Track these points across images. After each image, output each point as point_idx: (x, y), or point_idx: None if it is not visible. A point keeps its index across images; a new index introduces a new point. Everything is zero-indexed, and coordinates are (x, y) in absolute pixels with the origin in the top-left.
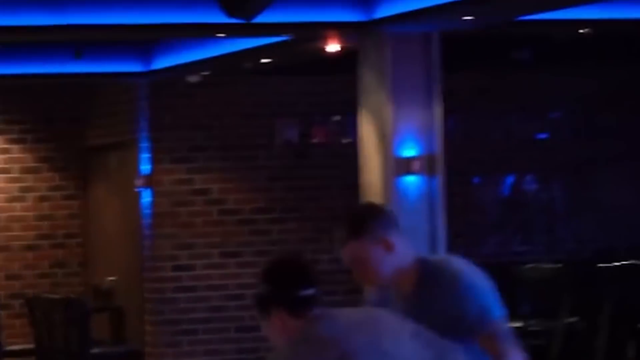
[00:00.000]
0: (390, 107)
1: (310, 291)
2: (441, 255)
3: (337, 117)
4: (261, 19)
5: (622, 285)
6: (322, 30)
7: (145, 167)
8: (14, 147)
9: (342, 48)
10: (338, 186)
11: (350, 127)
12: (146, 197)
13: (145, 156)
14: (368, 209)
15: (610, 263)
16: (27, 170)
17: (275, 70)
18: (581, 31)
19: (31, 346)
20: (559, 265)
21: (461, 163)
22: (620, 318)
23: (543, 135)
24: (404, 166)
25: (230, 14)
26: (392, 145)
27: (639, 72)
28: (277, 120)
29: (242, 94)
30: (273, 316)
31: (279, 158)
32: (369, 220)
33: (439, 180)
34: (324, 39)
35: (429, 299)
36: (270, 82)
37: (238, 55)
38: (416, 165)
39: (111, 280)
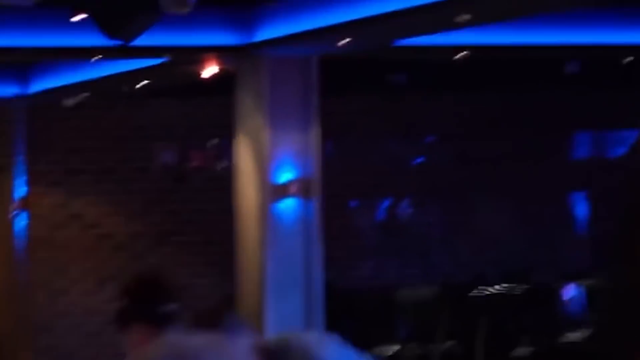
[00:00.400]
0: (268, 130)
1: (169, 307)
2: (287, 333)
3: (215, 141)
4: (139, 41)
5: (496, 310)
6: (201, 53)
7: (20, 191)
8: None
9: (220, 71)
10: (216, 210)
11: (228, 151)
12: (22, 221)
13: (21, 180)
14: (217, 311)
15: (485, 287)
16: None
17: (153, 93)
18: (457, 56)
19: None
20: (436, 289)
21: (338, 187)
22: (496, 342)
23: (420, 160)
24: (281, 190)
25: (110, 36)
26: (269, 168)
27: (515, 98)
28: (154, 144)
29: (119, 118)
30: (133, 330)
31: (156, 182)
32: (218, 322)
33: (316, 204)
34: (202, 62)
35: None
36: (148, 105)
37: (116, 78)
38: (293, 188)
39: None
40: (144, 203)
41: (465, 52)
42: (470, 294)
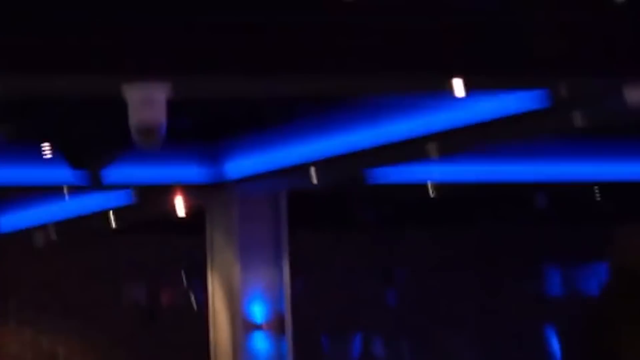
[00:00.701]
0: (239, 267)
1: None
2: None
3: (186, 277)
4: (111, 179)
5: None
6: (171, 191)
7: None
8: None
9: (190, 208)
10: (187, 347)
11: (199, 287)
12: None
13: None
14: None
15: None
16: None
17: (124, 230)
18: (431, 195)
19: None
20: None
21: (310, 322)
22: None
23: (391, 295)
24: (253, 325)
25: (76, 166)
26: (241, 304)
27: (487, 232)
28: (125, 280)
29: (90, 255)
30: None
31: (126, 319)
32: None
33: (288, 339)
34: (173, 200)
35: None
36: (119, 242)
37: (86, 217)
38: (265, 324)
39: None
40: (115, 340)
41: (436, 189)
42: None
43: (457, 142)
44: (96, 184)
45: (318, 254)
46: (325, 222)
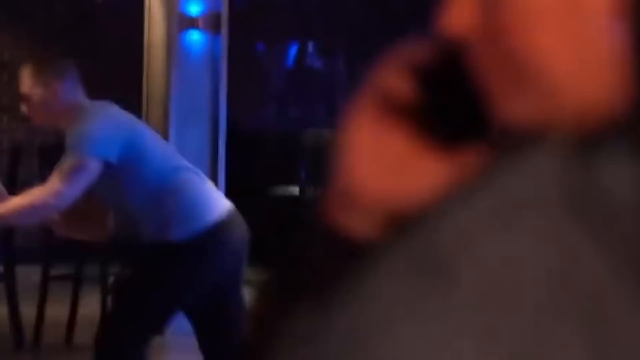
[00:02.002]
0: None
1: None
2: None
3: None
4: None
5: None
6: None
7: None
8: None
9: None
10: (121, 45)
11: None
12: None
13: None
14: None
15: None
16: None
17: None
18: None
19: None
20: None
21: (246, 29)
22: None
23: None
24: (189, 21)
25: None
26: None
27: None
28: None
29: None
30: None
31: (59, 19)
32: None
33: (223, 40)
34: None
35: None
36: None
37: None
38: (201, 22)
39: None
40: (46, 43)
41: None
42: None
43: None
44: None
45: None
46: None
